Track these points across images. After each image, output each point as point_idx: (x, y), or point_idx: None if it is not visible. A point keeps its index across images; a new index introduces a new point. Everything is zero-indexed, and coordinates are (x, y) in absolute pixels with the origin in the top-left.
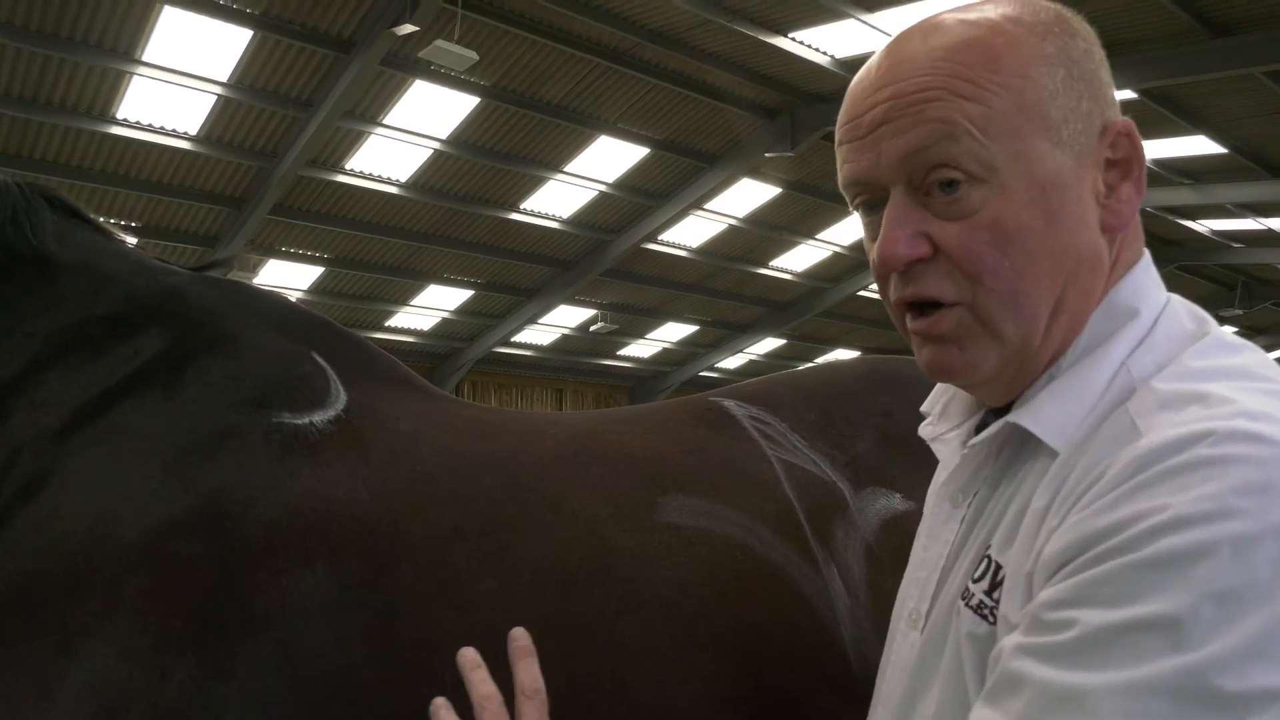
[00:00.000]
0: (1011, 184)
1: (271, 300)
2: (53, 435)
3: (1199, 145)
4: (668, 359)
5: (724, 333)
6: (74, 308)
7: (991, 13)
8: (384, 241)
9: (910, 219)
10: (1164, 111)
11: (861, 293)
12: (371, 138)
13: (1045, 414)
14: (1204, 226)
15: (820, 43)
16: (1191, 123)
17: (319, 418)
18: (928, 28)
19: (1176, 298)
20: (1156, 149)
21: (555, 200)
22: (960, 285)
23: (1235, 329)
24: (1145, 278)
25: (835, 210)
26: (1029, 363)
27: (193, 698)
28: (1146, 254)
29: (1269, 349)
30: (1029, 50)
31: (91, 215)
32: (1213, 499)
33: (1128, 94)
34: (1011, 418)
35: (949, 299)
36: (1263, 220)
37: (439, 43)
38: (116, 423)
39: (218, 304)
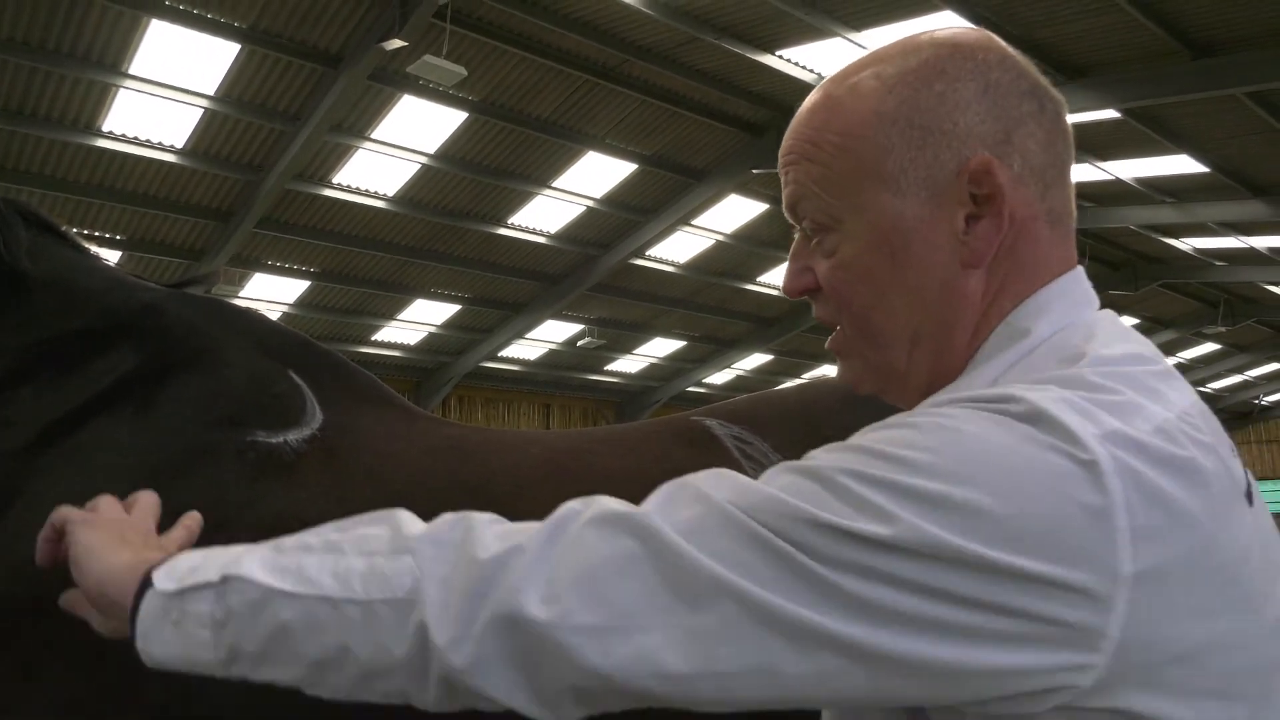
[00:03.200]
0: (855, 231)
1: (249, 318)
2: (20, 454)
3: (1181, 164)
4: (655, 374)
5: (711, 348)
6: (47, 324)
7: (861, 70)
8: (371, 255)
9: (800, 256)
10: (1147, 131)
11: None
12: (359, 152)
13: None
14: (1187, 244)
15: (807, 60)
16: (1174, 142)
17: (294, 437)
18: (822, 84)
19: (1100, 320)
20: (1139, 168)
21: (543, 215)
22: (835, 313)
23: (1219, 346)
24: (1049, 302)
25: None
26: (912, 381)
27: None
28: (1063, 280)
29: (1252, 366)
30: (865, 112)
31: (68, 230)
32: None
33: (1110, 113)
34: None
35: (833, 322)
36: (1245, 239)
37: (427, 58)
38: (87, 441)
39: (194, 321)
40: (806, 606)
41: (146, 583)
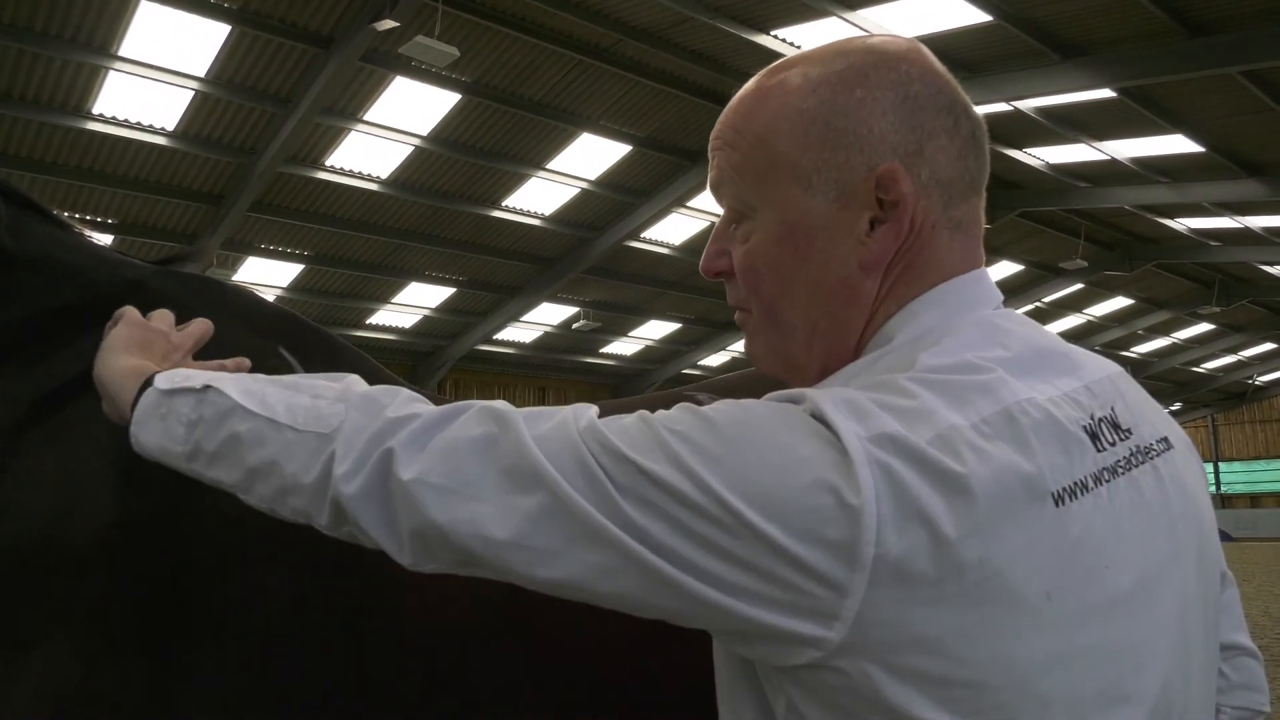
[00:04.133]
0: (766, 221)
1: (237, 294)
2: (6, 432)
3: (1176, 144)
4: (650, 356)
5: (706, 330)
6: (31, 302)
7: (792, 66)
8: (364, 239)
9: (720, 238)
10: (1142, 110)
11: None
12: (351, 134)
13: None
14: (1181, 224)
15: (802, 40)
16: (1169, 121)
17: None
18: (757, 75)
19: (970, 324)
20: (1134, 147)
21: (537, 198)
22: (745, 298)
23: (1213, 326)
24: (920, 310)
25: None
26: (810, 371)
27: (153, 701)
28: (944, 285)
29: (1246, 346)
30: (788, 108)
31: (50, 208)
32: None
33: (1106, 93)
34: None
35: (743, 306)
36: (1240, 219)
37: (420, 39)
38: (73, 418)
39: (181, 298)
40: (600, 514)
41: (148, 382)
